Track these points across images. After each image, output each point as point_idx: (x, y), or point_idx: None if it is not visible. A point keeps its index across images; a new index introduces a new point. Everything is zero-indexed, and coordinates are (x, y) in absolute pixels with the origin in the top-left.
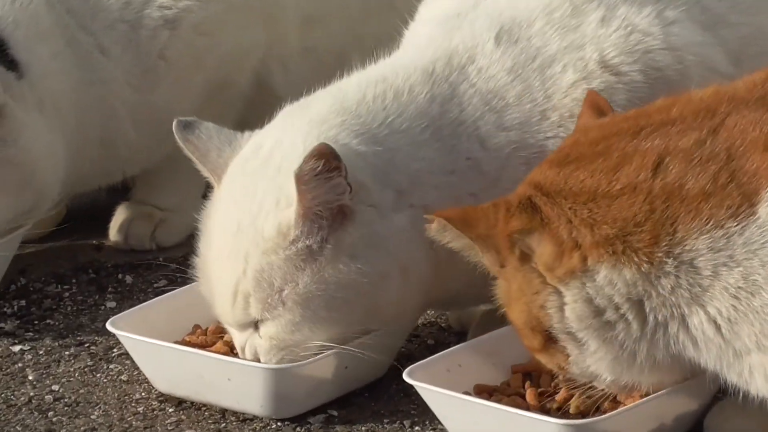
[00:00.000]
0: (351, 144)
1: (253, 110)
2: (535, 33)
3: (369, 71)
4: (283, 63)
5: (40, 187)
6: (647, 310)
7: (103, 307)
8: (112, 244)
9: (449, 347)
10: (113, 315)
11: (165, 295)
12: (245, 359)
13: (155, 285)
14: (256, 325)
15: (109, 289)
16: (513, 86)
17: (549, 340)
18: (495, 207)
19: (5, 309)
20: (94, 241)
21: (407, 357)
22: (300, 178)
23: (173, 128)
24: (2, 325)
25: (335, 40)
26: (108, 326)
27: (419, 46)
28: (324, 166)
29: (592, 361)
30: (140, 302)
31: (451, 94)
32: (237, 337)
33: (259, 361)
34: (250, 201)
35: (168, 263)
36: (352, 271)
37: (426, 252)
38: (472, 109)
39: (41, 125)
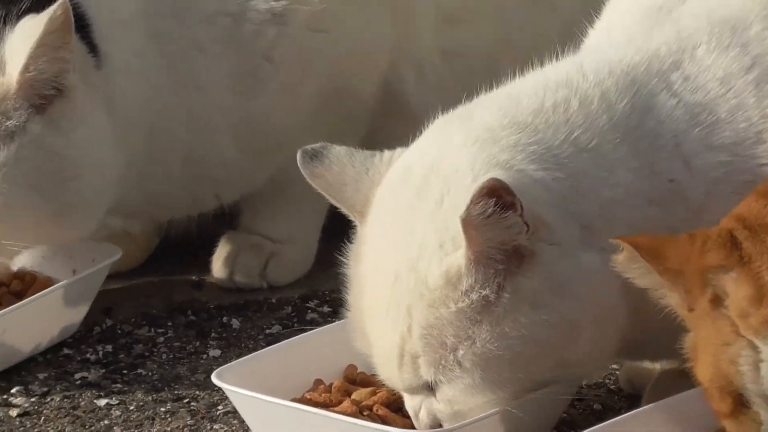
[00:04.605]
0: (528, 170)
1: (382, 126)
2: (752, 38)
3: (547, 72)
4: (419, 68)
5: (76, 197)
6: None
7: (204, 356)
8: (214, 281)
9: (620, 413)
10: (217, 365)
11: (280, 343)
12: (421, 428)
13: (267, 331)
14: (429, 385)
15: (212, 334)
16: (725, 100)
17: (740, 404)
18: (691, 239)
19: (88, 355)
20: (193, 277)
21: (569, 424)
22: (468, 222)
23: (298, 161)
24: (85, 374)
25: (483, 43)
26: (213, 379)
27: (613, 45)
28: (496, 205)
29: None
30: (249, 351)
31: (650, 104)
32: (408, 400)
33: (438, 427)
34: (407, 243)
35: (282, 305)
36: (535, 322)
37: (622, 296)
38: (674, 122)
39: (106, 131)
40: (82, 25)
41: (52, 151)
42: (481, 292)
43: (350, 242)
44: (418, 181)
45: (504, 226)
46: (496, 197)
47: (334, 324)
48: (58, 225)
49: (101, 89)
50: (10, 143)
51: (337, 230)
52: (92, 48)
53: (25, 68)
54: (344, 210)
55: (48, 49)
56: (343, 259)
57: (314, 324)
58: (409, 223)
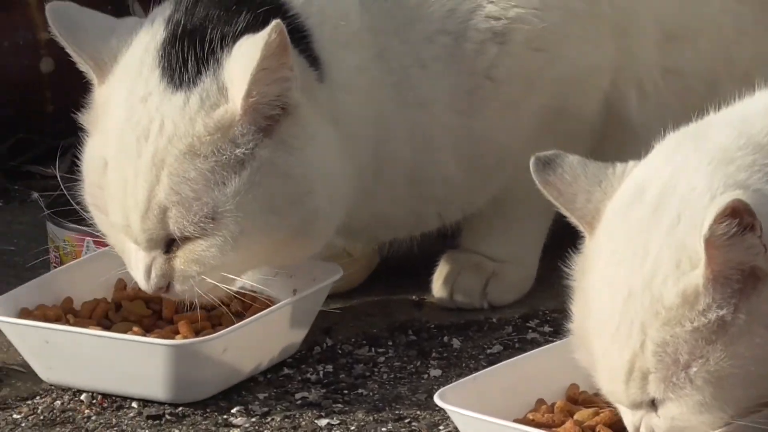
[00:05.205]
0: (765, 190)
1: (604, 145)
2: None
3: None
4: (640, 87)
5: (310, 215)
6: None
7: (425, 376)
8: (435, 301)
9: None
10: (438, 385)
11: (502, 363)
12: None
13: (488, 351)
14: (651, 402)
15: (433, 354)
16: None
17: None
18: None
19: (309, 375)
20: (413, 297)
21: None
22: (710, 242)
23: (531, 167)
24: (306, 394)
25: (703, 62)
26: (436, 399)
27: None
28: (738, 226)
29: None
30: (470, 371)
31: None
32: (628, 415)
33: None
34: (640, 260)
35: (502, 325)
36: None
37: None
38: None
39: (333, 143)
40: (301, 36)
41: (285, 172)
42: (717, 312)
43: (576, 253)
44: (653, 199)
45: (744, 247)
46: (739, 218)
47: (556, 343)
48: (293, 244)
49: (325, 103)
50: (241, 170)
51: (558, 248)
52: (312, 61)
53: (248, 94)
54: (573, 220)
55: (268, 72)
56: (568, 270)
57: (535, 344)
58: (643, 241)
